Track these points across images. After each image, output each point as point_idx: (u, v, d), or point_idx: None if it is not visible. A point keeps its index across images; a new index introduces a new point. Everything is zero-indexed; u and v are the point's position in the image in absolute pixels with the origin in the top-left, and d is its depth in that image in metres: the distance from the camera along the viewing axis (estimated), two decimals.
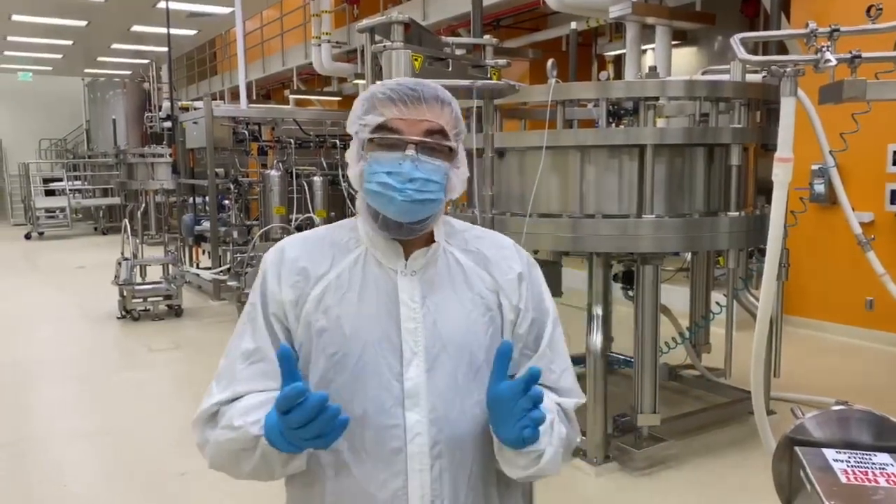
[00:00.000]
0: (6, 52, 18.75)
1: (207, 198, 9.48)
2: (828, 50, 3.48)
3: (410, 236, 1.34)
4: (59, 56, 19.49)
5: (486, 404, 1.27)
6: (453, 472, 1.32)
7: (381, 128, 1.30)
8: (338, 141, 10.16)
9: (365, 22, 3.53)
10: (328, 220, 9.41)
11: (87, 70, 21.76)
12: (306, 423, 1.13)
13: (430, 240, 1.38)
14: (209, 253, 9.53)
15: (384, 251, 1.36)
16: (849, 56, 3.52)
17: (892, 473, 1.24)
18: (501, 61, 4.26)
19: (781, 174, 3.43)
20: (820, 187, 6.62)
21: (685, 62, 9.10)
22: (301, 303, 1.34)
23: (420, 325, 1.32)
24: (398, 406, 1.30)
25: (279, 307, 1.35)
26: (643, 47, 8.58)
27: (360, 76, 11.69)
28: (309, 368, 1.34)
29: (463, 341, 1.34)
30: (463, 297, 1.37)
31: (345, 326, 1.32)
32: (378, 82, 1.37)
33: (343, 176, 9.49)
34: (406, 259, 1.36)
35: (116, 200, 17.39)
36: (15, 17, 14.67)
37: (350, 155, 1.37)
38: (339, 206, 9.77)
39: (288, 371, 1.15)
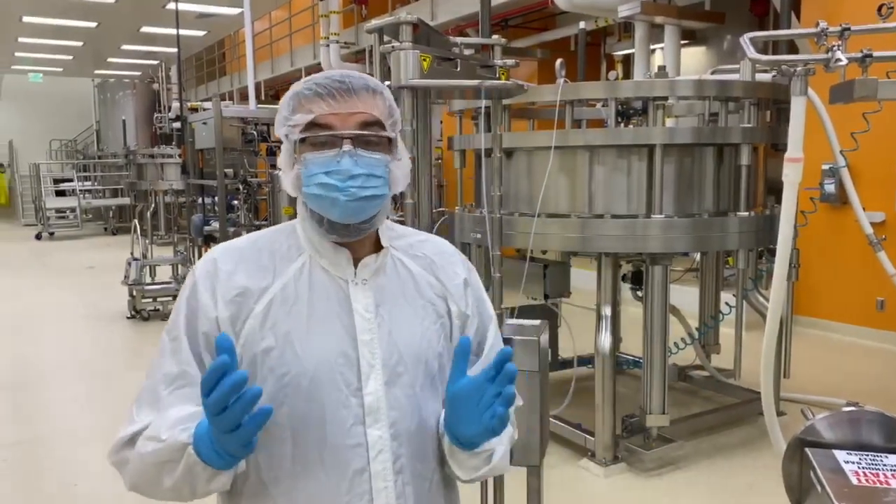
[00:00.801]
0: (17, 54, 18.86)
1: (216, 198, 9.49)
2: (838, 49, 3.46)
3: (358, 237, 1.26)
4: (70, 57, 19.60)
5: (447, 403, 1.23)
6: (416, 485, 1.27)
7: (311, 126, 1.21)
8: None
9: (373, 22, 3.54)
10: None
11: (97, 71, 21.87)
12: (223, 409, 1.02)
13: (376, 245, 1.32)
14: None
15: (332, 259, 1.27)
16: (860, 55, 3.50)
17: None
18: (510, 61, 4.25)
19: (792, 174, 3.41)
20: (830, 187, 6.59)
21: (694, 61, 9.07)
22: (241, 321, 1.22)
23: (375, 336, 1.25)
24: (359, 424, 1.23)
25: (212, 325, 1.22)
26: (652, 47, 8.55)
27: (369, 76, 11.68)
28: None
29: (419, 350, 1.29)
30: (415, 305, 1.31)
31: (295, 343, 1.22)
32: (302, 79, 1.27)
33: None
34: (355, 267, 1.28)
35: (126, 201, 17.44)
36: (25, 19, 14.76)
37: (282, 160, 1.27)
38: None
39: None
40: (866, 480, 1.22)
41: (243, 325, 1.23)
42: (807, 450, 1.33)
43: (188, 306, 1.25)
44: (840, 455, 1.30)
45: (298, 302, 1.24)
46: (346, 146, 1.20)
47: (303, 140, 1.22)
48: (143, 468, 1.20)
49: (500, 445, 1.29)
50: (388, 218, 1.36)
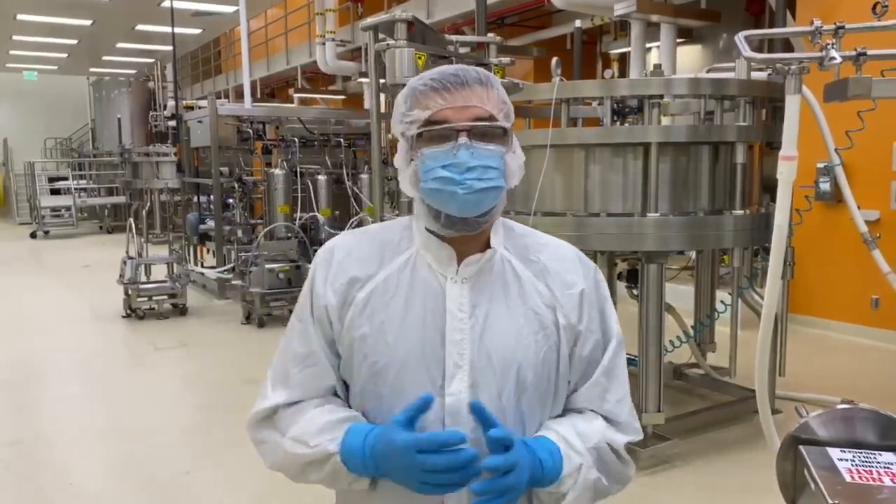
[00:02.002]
0: (12, 52, 18.82)
1: (212, 197, 9.50)
2: (833, 47, 3.47)
3: (475, 231, 1.25)
4: (65, 55, 19.56)
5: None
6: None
7: (427, 122, 1.22)
8: (342, 139, 10.16)
9: (369, 20, 3.54)
10: (333, 219, 9.44)
11: (92, 69, 21.81)
12: (447, 470, 1.13)
13: (486, 245, 1.30)
14: (214, 252, 9.55)
15: (436, 255, 1.28)
16: (854, 54, 3.51)
17: None
18: (505, 59, 4.27)
19: (786, 172, 3.42)
20: (825, 185, 6.60)
21: (690, 60, 9.08)
22: (346, 306, 1.28)
23: (466, 336, 1.24)
24: (438, 423, 1.22)
25: (323, 312, 1.29)
26: (648, 45, 8.57)
27: (365, 75, 11.68)
28: (352, 376, 1.30)
29: (511, 358, 1.25)
30: (515, 311, 1.28)
31: (388, 334, 1.25)
32: (415, 77, 1.30)
33: (348, 174, 9.51)
34: (458, 265, 1.27)
35: (121, 199, 17.43)
36: (20, 17, 14.72)
37: (398, 160, 1.29)
38: (343, 204, 9.78)
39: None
40: (860, 478, 1.22)
41: (347, 311, 1.28)
42: (801, 447, 1.34)
43: (309, 293, 1.33)
44: (834, 453, 1.30)
45: (397, 294, 1.27)
46: (462, 139, 1.20)
47: (419, 135, 1.23)
48: (289, 462, 1.30)
49: (572, 492, 1.24)
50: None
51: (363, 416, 1.29)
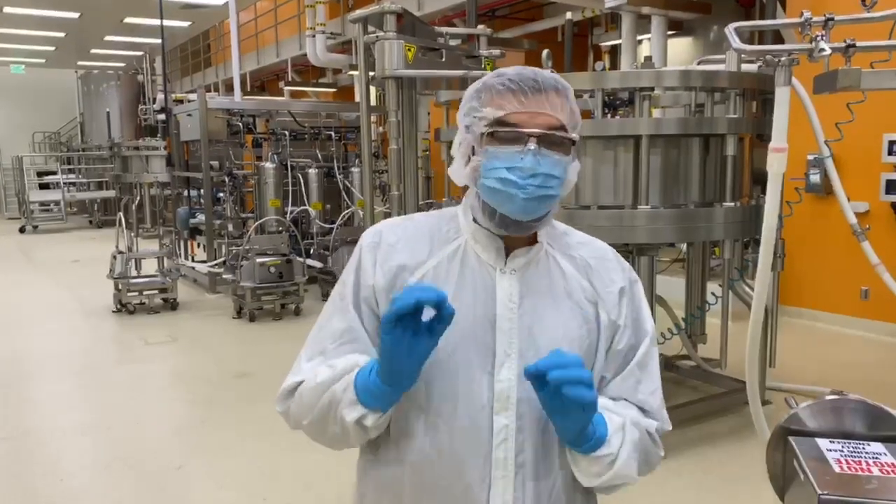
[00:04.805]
0: None
1: (202, 190, 9.45)
2: (822, 39, 3.47)
3: (526, 233, 1.28)
4: (52, 48, 19.39)
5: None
6: (536, 483, 1.27)
7: (499, 122, 1.22)
8: (333, 133, 10.13)
9: (358, 12, 3.52)
10: (323, 213, 9.41)
11: (80, 62, 21.65)
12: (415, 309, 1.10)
13: (532, 239, 1.32)
14: (204, 246, 9.51)
15: (485, 246, 1.30)
16: (843, 45, 3.51)
17: (886, 463, 1.24)
18: (496, 51, 4.26)
19: (776, 164, 3.43)
20: (815, 177, 6.63)
21: (681, 52, 9.09)
22: (396, 290, 1.27)
23: (515, 326, 1.26)
24: (487, 408, 1.25)
25: (370, 292, 1.30)
26: (639, 37, 8.56)
27: (355, 67, 11.63)
28: None
29: (557, 349, 1.25)
30: (561, 305, 1.30)
31: None
32: (492, 72, 1.29)
33: (339, 168, 9.48)
34: (507, 257, 1.30)
35: (111, 193, 17.33)
36: (7, 9, 14.58)
37: (456, 148, 1.30)
38: (334, 198, 9.75)
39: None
40: (848, 468, 1.22)
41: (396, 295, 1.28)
42: (790, 438, 1.34)
43: (355, 272, 1.33)
44: (823, 443, 1.31)
45: (448, 281, 1.28)
46: (532, 144, 1.20)
47: (489, 134, 1.23)
48: (313, 400, 1.27)
49: (623, 449, 1.25)
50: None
51: (407, 400, 1.27)
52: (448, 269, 1.29)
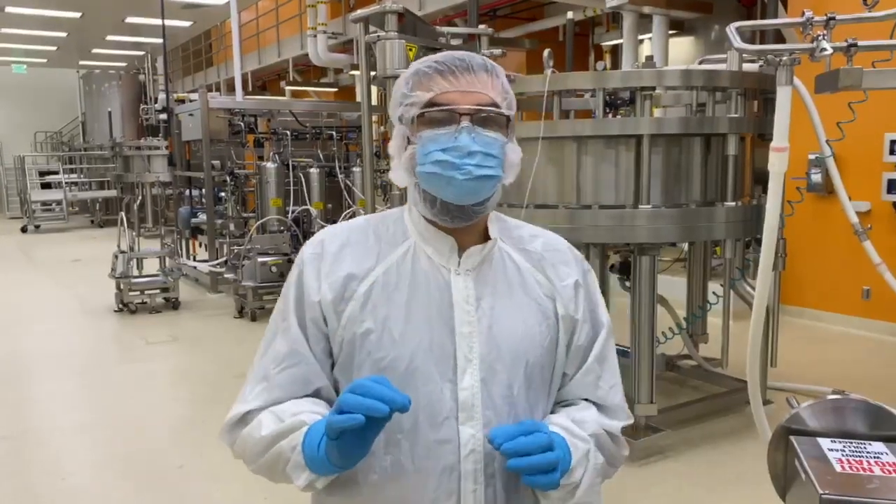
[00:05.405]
0: (0, 45, 18.65)
1: (204, 190, 9.45)
2: (824, 38, 3.47)
3: (470, 221, 1.22)
4: (54, 48, 19.41)
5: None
6: (510, 494, 1.22)
7: (430, 104, 1.19)
8: (334, 132, 10.13)
9: (359, 12, 3.52)
10: (325, 212, 9.41)
11: (81, 62, 21.67)
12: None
13: (484, 236, 1.28)
14: (206, 245, 9.51)
15: (436, 246, 1.25)
16: (845, 45, 3.51)
17: (887, 462, 1.24)
18: (497, 51, 4.25)
19: (777, 164, 3.42)
20: (817, 177, 6.62)
21: (682, 52, 9.08)
22: (344, 301, 1.22)
23: (475, 329, 1.21)
24: (451, 419, 1.19)
25: (317, 311, 1.23)
26: (640, 37, 8.56)
27: (356, 67, 11.64)
28: (352, 375, 1.22)
29: (519, 350, 1.23)
30: (520, 302, 1.26)
31: (393, 329, 1.20)
32: (420, 59, 1.26)
33: (340, 167, 9.48)
34: (459, 256, 1.25)
35: (113, 193, 17.33)
36: (9, 9, 14.59)
37: (392, 147, 1.25)
38: (336, 197, 9.75)
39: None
40: (850, 467, 1.22)
41: (346, 307, 1.22)
42: (792, 438, 1.34)
43: (296, 288, 1.26)
44: (824, 443, 1.30)
45: (399, 287, 1.23)
46: (465, 122, 1.17)
47: (420, 116, 1.20)
48: (260, 449, 1.20)
49: (586, 477, 1.22)
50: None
51: None
52: (399, 274, 1.23)
